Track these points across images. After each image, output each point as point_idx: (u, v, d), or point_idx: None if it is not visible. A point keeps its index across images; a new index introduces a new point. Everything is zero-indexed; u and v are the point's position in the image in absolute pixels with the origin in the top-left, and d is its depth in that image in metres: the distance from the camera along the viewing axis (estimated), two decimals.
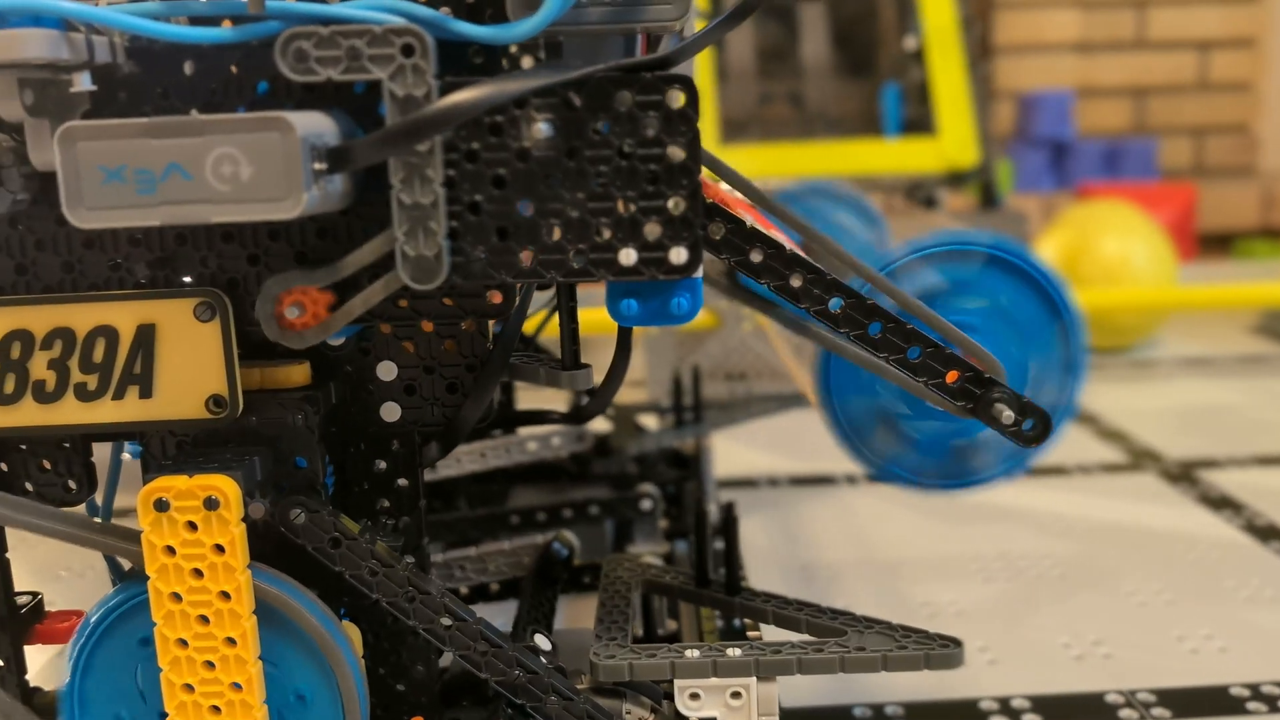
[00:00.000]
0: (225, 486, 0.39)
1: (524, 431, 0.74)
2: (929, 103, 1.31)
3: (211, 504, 0.39)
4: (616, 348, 0.48)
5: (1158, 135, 2.81)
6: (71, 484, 0.45)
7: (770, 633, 0.51)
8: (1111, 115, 2.87)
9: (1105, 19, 2.85)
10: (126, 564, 0.52)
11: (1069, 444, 1.13)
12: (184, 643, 0.40)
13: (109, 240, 0.42)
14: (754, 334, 1.22)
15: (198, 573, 0.40)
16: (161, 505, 0.39)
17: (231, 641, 0.40)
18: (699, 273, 0.39)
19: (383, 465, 0.47)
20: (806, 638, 0.50)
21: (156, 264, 0.42)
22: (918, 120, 1.38)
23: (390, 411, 0.47)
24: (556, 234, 0.39)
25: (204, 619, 0.40)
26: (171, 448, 0.44)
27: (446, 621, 0.44)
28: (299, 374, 0.44)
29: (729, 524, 0.54)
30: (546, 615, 0.57)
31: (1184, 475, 1.02)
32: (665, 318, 0.40)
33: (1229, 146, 2.91)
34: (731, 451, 1.10)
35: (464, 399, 0.47)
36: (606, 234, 0.39)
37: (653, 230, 0.39)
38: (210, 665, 0.41)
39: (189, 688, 0.41)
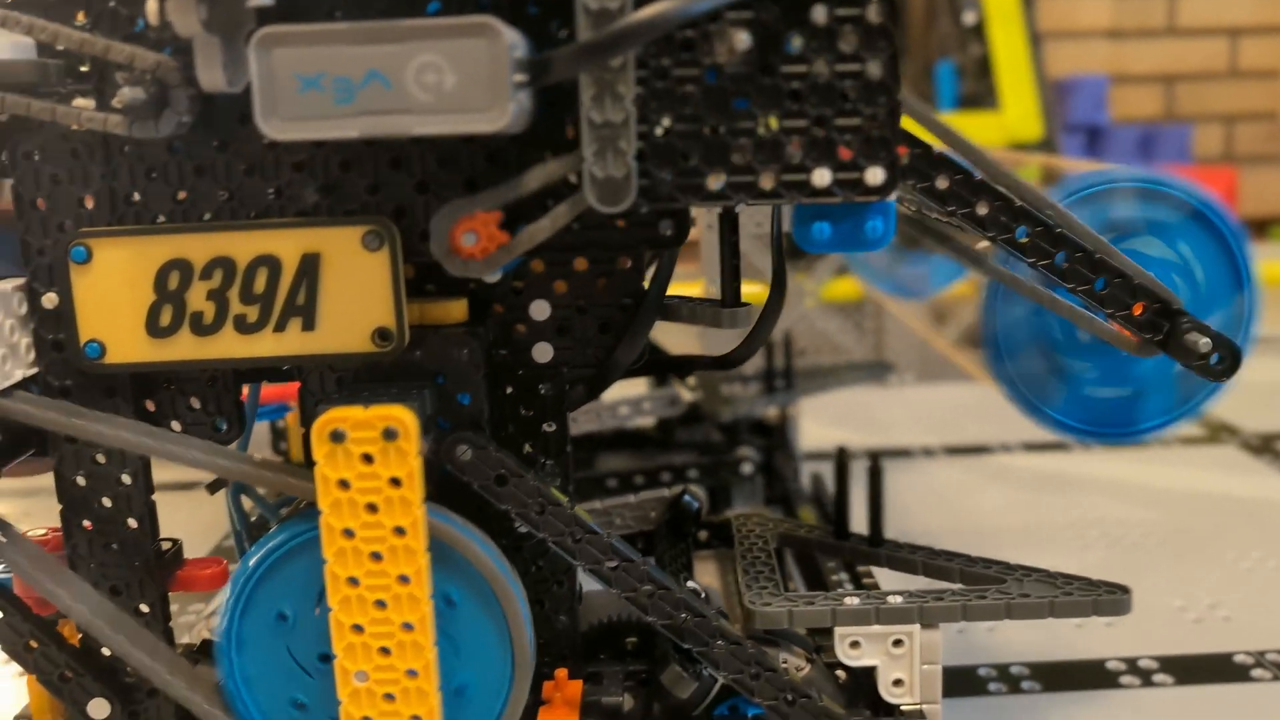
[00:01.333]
0: (405, 417, 0.38)
1: (612, 396, 0.73)
2: (989, 77, 1.29)
3: (390, 435, 0.38)
4: (772, 287, 0.47)
5: (1190, 122, 2.80)
6: (221, 423, 0.43)
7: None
8: (1143, 102, 2.85)
9: (1137, 6, 2.83)
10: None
11: None
12: (355, 581, 0.39)
13: (271, 166, 0.41)
14: (817, 310, 1.21)
15: (372, 508, 0.38)
16: (338, 436, 0.38)
17: (404, 579, 0.39)
18: (895, 195, 0.38)
19: (530, 409, 0.46)
20: (963, 587, 0.48)
21: (320, 191, 0.41)
22: (973, 96, 1.37)
23: (542, 352, 0.45)
24: (746, 155, 0.38)
25: (376, 556, 0.39)
26: (331, 384, 0.42)
27: (612, 563, 0.42)
28: (457, 311, 0.43)
29: (875, 475, 0.52)
30: (686, 566, 0.56)
31: (1265, 448, 1.00)
32: (858, 242, 0.38)
33: (1260, 133, 2.89)
34: (801, 427, 1.08)
35: (617, 340, 0.45)
36: (799, 154, 0.37)
37: (848, 150, 0.37)
38: (381, 604, 0.39)
39: (358, 628, 0.39)
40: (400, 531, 0.39)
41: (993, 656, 0.63)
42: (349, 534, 0.39)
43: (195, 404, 0.43)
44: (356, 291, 0.40)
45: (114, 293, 0.40)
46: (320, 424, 0.38)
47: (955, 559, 0.51)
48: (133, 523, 0.43)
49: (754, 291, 0.48)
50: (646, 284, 0.45)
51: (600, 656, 0.52)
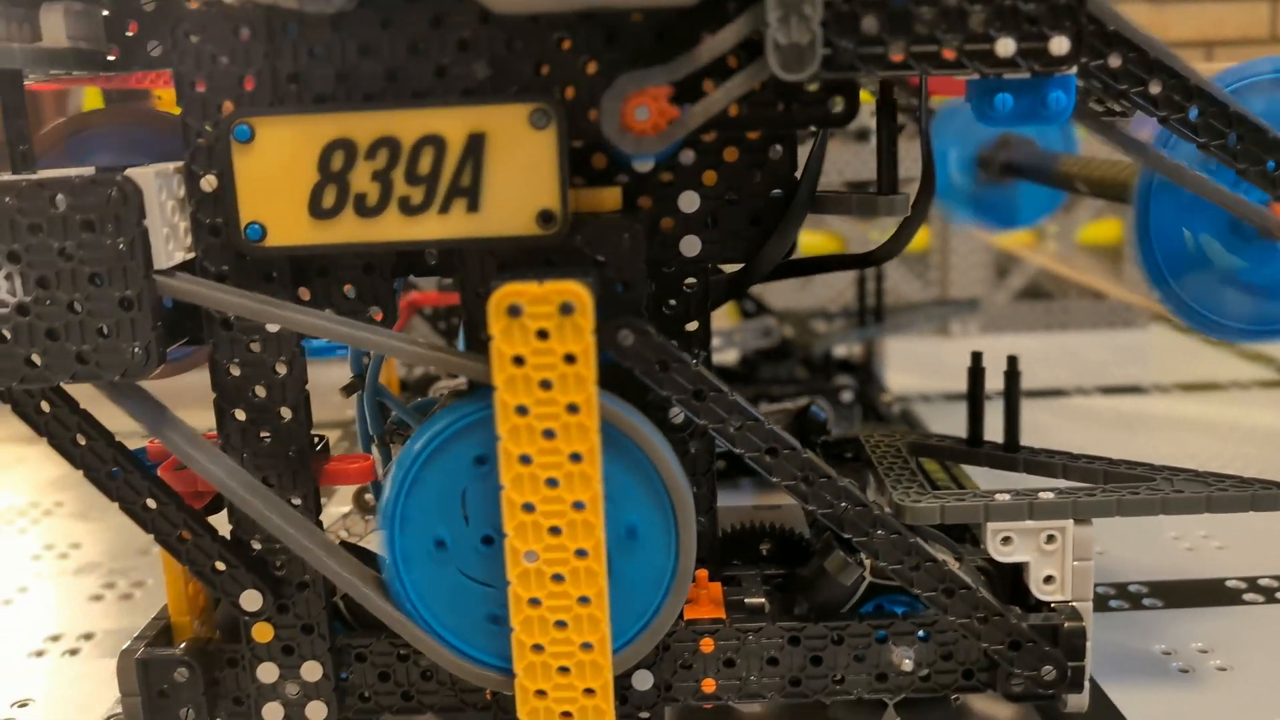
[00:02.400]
0: (581, 292, 0.37)
1: None
2: None
3: (566, 310, 0.37)
4: (922, 182, 0.46)
5: None
6: (376, 312, 0.43)
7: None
8: None
9: None
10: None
11: (1215, 362, 1.11)
12: (527, 459, 0.39)
13: (435, 45, 0.40)
14: None
15: (546, 384, 0.38)
16: (514, 311, 0.37)
17: (576, 457, 0.39)
18: (1077, 68, 0.37)
19: (673, 304, 0.45)
20: (1113, 485, 0.48)
21: (486, 70, 0.40)
22: None
23: (690, 245, 0.45)
24: (929, 24, 0.37)
25: (549, 433, 0.38)
26: (491, 270, 0.42)
27: (773, 451, 0.42)
28: (611, 198, 0.42)
29: (1012, 379, 0.52)
30: None
31: None
32: (1040, 115, 0.38)
33: None
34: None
35: (767, 233, 0.45)
36: (983, 23, 0.37)
37: (1032, 19, 0.37)
38: (553, 483, 0.39)
39: (529, 507, 0.39)
40: (573, 409, 0.38)
41: (1108, 577, 0.63)
42: (522, 410, 0.38)
43: (350, 292, 0.43)
44: (521, 172, 0.39)
45: (277, 173, 0.39)
46: (497, 299, 0.37)
47: (1097, 461, 0.50)
48: (286, 412, 0.43)
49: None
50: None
51: (734, 562, 0.51)
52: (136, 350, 0.38)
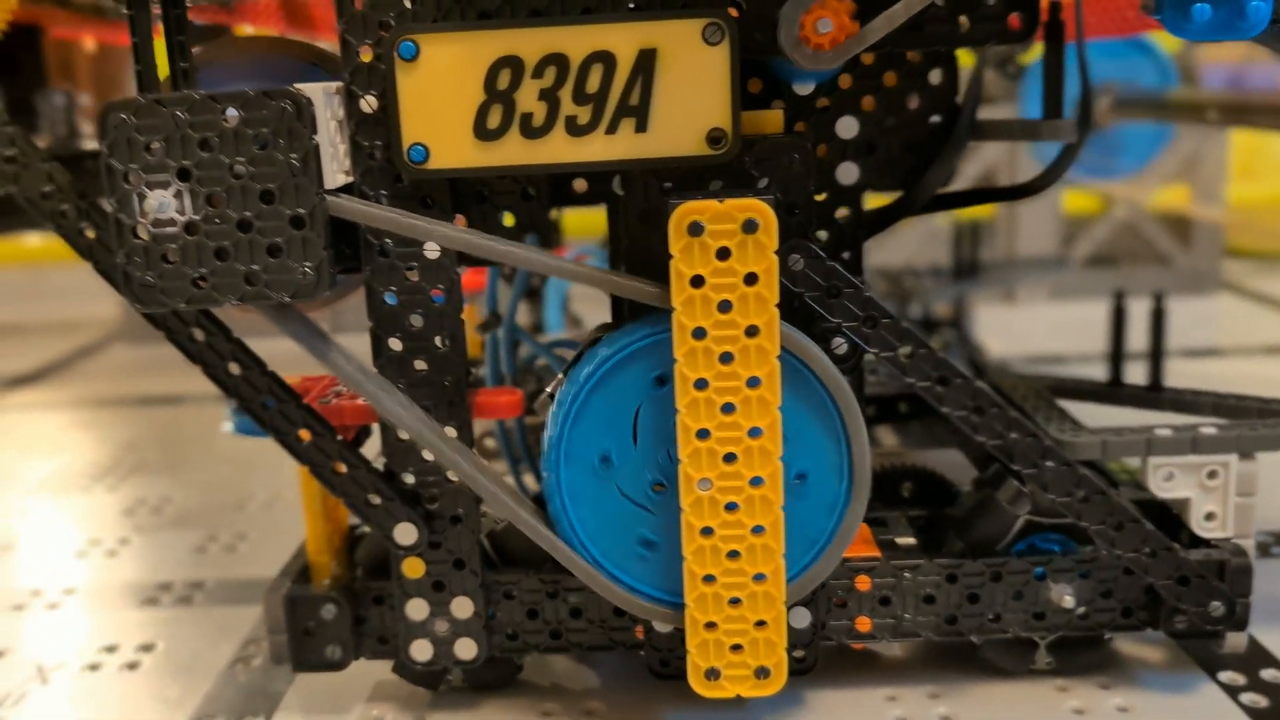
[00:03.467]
0: (765, 210, 0.36)
1: None
2: None
3: (750, 227, 0.36)
4: (1080, 116, 0.45)
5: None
6: (533, 239, 0.42)
7: None
8: (1226, 47, 2.81)
9: None
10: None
11: None
12: (703, 384, 0.38)
13: None
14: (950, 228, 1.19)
15: (725, 306, 0.37)
16: (695, 229, 0.36)
17: (754, 382, 0.38)
18: None
19: (824, 235, 0.44)
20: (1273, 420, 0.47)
21: None
22: None
23: (847, 173, 0.44)
24: None
25: (727, 357, 0.37)
26: (655, 194, 0.41)
27: (943, 379, 0.41)
28: (774, 120, 0.41)
29: (1158, 318, 0.51)
30: None
31: None
32: (1239, 26, 0.37)
33: None
34: None
35: (925, 161, 0.44)
36: None
37: None
38: (729, 409, 0.38)
39: (704, 433, 0.38)
40: (753, 331, 0.37)
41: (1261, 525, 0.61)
42: (700, 334, 0.37)
43: (511, 220, 0.42)
44: (692, 90, 0.38)
45: (441, 93, 0.38)
46: (678, 216, 0.36)
47: (1247, 399, 0.49)
48: (442, 342, 0.42)
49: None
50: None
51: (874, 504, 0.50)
52: (308, 270, 0.37)
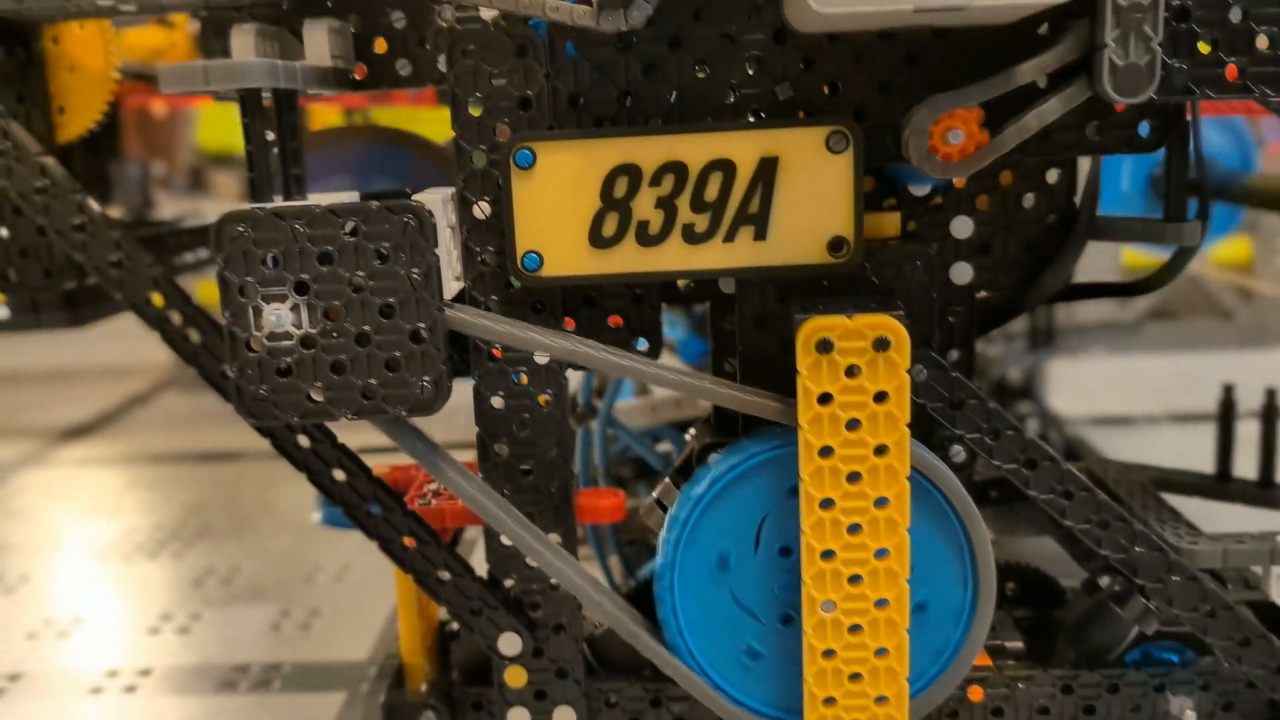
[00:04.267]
0: (896, 327, 0.35)
1: None
2: None
3: (881, 345, 0.35)
4: (1199, 213, 0.44)
5: None
6: (641, 342, 0.41)
7: None
8: None
9: None
10: None
11: None
12: (829, 503, 0.37)
13: (723, 64, 0.39)
14: None
15: (853, 424, 0.36)
16: (825, 346, 0.35)
17: (882, 502, 0.37)
18: None
19: (939, 334, 0.43)
20: None
21: (786, 90, 0.39)
22: None
23: (961, 273, 0.43)
24: (1274, 42, 0.35)
25: (854, 476, 0.36)
26: (772, 301, 0.40)
27: (1067, 492, 0.40)
28: (891, 223, 0.40)
29: (1270, 415, 0.49)
30: None
31: None
32: None
33: None
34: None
35: (1042, 260, 0.43)
36: None
37: None
38: (855, 529, 0.37)
39: (829, 554, 0.37)
40: (882, 450, 0.36)
41: None
42: (827, 452, 0.36)
43: (616, 322, 0.41)
44: (814, 198, 0.37)
45: (557, 200, 0.38)
46: (807, 332, 0.35)
47: None
48: (549, 447, 0.41)
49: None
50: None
51: None
52: (426, 384, 0.36)
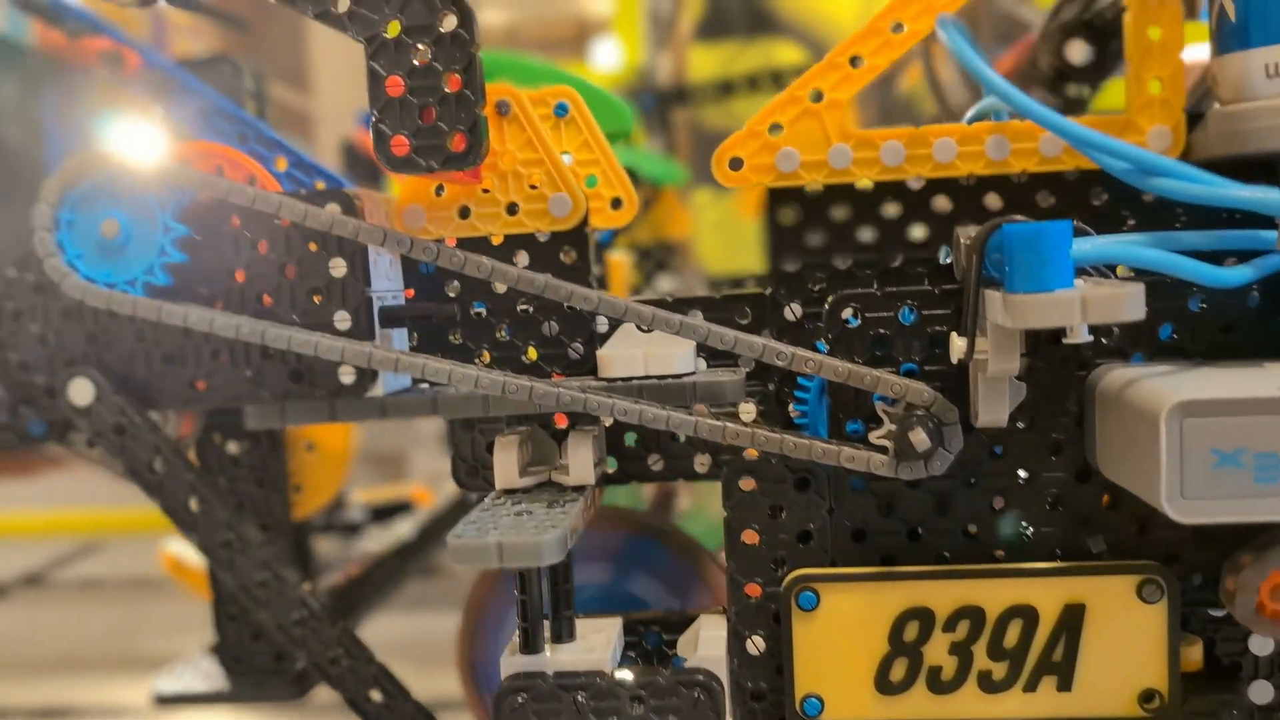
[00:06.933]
0: None
1: None
2: None
3: None
4: None
5: None
6: None
7: None
8: None
9: None
10: None
11: None
12: None
13: (1023, 503, 0.36)
14: None
15: None
16: None
17: None
18: None
19: None
20: None
21: (1100, 544, 0.36)
22: None
23: (1260, 692, 0.39)
24: None
25: None
26: None
27: None
28: (1195, 657, 0.37)
29: None
30: None
31: None
32: None
33: None
34: None
35: None
36: None
37: None
38: None
39: None
40: None
41: None
42: None
43: None
44: (1123, 649, 0.35)
45: (841, 643, 0.35)
46: None
47: None
48: None
49: None
50: None
51: None
52: None
